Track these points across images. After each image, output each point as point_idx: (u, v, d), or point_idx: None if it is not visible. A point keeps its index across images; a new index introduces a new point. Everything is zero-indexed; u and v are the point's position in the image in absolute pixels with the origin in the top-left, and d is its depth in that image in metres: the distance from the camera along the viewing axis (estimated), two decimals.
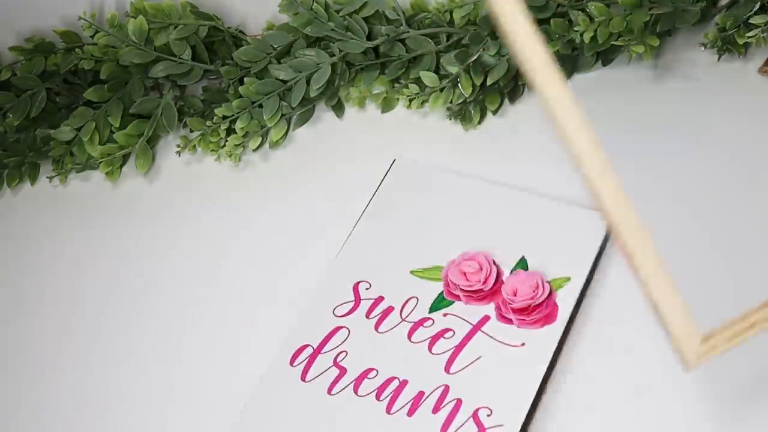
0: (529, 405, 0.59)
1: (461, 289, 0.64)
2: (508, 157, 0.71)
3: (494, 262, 0.64)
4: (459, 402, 0.60)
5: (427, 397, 0.60)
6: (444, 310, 0.64)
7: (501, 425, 0.58)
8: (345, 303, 0.65)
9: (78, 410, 0.66)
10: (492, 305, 0.63)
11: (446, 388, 0.61)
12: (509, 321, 0.62)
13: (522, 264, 0.65)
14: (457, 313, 0.63)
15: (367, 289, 0.65)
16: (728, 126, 0.70)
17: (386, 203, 0.69)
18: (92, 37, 0.74)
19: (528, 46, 0.43)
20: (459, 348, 0.62)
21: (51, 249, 0.74)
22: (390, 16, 0.73)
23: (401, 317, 0.64)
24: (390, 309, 0.64)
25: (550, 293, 0.62)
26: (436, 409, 0.60)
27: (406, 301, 0.64)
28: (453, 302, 0.64)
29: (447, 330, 0.63)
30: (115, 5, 0.77)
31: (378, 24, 0.73)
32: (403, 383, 0.61)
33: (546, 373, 0.60)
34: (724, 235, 0.64)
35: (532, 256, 0.65)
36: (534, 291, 0.62)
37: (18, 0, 0.76)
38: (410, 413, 0.60)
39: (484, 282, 0.63)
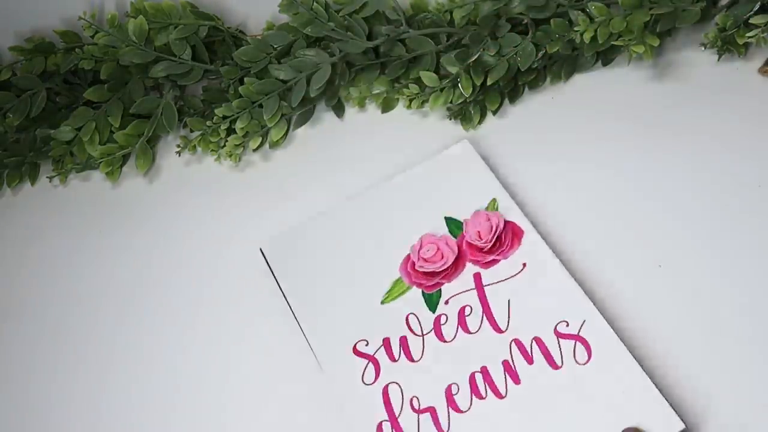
0: (585, 295, 0.61)
1: (436, 274, 0.64)
2: (507, 158, 0.71)
3: (441, 235, 0.66)
4: (537, 339, 0.60)
5: (513, 360, 0.60)
6: (442, 300, 0.64)
7: (583, 320, 0.60)
8: (365, 369, 0.62)
9: (78, 411, 0.66)
10: (470, 264, 0.64)
11: (516, 341, 0.61)
12: (496, 261, 0.64)
13: (453, 222, 0.67)
14: (454, 292, 0.64)
15: (366, 345, 0.63)
16: (728, 126, 0.70)
17: (287, 268, 0.67)
18: (92, 37, 0.74)
19: None
20: (487, 311, 0.62)
21: (51, 249, 0.74)
22: (390, 16, 0.73)
23: (417, 334, 0.63)
24: (403, 338, 0.63)
25: (501, 218, 0.65)
26: (530, 360, 0.60)
27: (407, 323, 0.63)
28: (440, 289, 0.64)
29: (463, 309, 0.63)
30: (115, 5, 0.77)
31: (378, 24, 0.73)
32: (484, 369, 0.60)
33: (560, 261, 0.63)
34: (724, 235, 0.64)
35: (453, 213, 0.67)
36: (489, 222, 0.65)
37: (18, 0, 0.76)
38: (517, 381, 0.59)
39: (448, 256, 0.64)
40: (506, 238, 0.65)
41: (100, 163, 0.75)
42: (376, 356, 0.62)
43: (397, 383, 0.61)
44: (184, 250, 0.72)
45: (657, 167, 0.68)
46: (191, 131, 0.76)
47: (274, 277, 0.66)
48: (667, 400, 0.55)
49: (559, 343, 0.60)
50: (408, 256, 0.66)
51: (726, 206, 0.65)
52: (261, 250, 0.68)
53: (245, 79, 0.74)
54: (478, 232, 0.65)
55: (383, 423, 0.59)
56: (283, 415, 0.63)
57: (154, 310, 0.69)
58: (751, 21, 0.68)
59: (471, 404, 0.59)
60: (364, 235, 0.68)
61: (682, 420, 0.55)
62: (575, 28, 0.68)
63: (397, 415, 0.59)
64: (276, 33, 0.75)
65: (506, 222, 0.65)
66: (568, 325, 0.60)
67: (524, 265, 0.63)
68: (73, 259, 0.73)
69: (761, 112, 0.70)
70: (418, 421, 0.59)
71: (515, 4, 0.71)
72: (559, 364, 0.59)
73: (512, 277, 0.63)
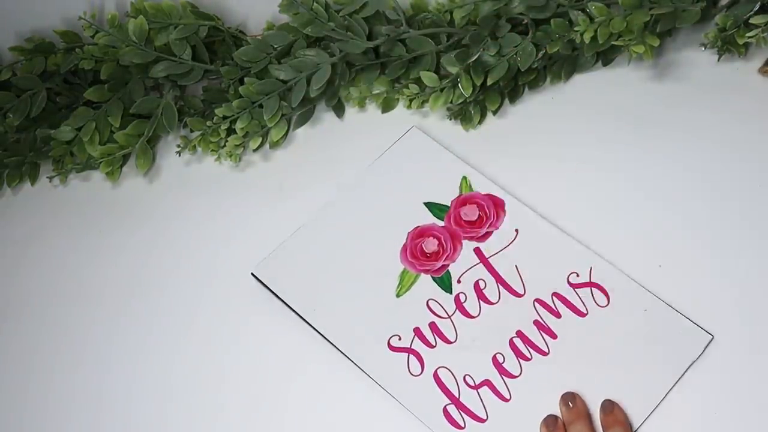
0: (582, 244, 0.65)
1: (440, 257, 0.66)
2: (506, 157, 0.71)
3: (429, 224, 0.68)
4: (556, 294, 0.63)
5: (542, 318, 0.63)
6: (454, 279, 0.65)
7: (590, 267, 0.64)
8: (407, 362, 0.63)
9: (78, 410, 0.66)
10: (466, 241, 0.67)
11: (538, 300, 0.63)
12: (489, 234, 0.67)
13: (435, 206, 0.68)
14: (462, 270, 0.66)
15: (399, 339, 0.64)
16: (728, 126, 0.70)
17: (288, 287, 0.67)
18: (92, 37, 0.74)
19: None
20: (500, 280, 0.65)
21: (51, 249, 0.74)
22: (390, 16, 0.73)
23: (444, 317, 0.64)
24: (433, 324, 0.64)
25: (476, 194, 0.68)
26: (557, 315, 0.63)
27: (430, 309, 0.65)
28: (448, 271, 0.66)
29: (477, 283, 0.65)
30: (115, 5, 0.77)
31: (378, 24, 0.73)
32: (519, 333, 0.62)
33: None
34: (724, 235, 0.64)
35: (430, 197, 0.69)
36: (478, 202, 0.68)
37: (18, 0, 0.76)
38: (553, 336, 0.62)
39: (448, 242, 0.67)
40: (490, 209, 0.67)
41: (100, 163, 0.75)
42: (413, 347, 0.63)
43: (445, 367, 0.62)
44: (183, 250, 0.72)
45: (657, 167, 0.68)
46: (191, 131, 0.76)
47: (280, 299, 0.66)
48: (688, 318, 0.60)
49: (576, 292, 0.63)
50: (405, 246, 0.67)
51: (726, 206, 0.65)
52: (253, 274, 0.67)
53: (245, 79, 0.74)
54: (468, 215, 0.67)
55: (447, 407, 0.61)
56: (293, 410, 0.63)
57: (153, 309, 0.69)
58: (751, 21, 0.68)
59: (521, 368, 0.61)
60: (350, 236, 0.68)
61: (707, 332, 0.59)
62: (575, 28, 0.68)
63: (457, 396, 0.61)
64: (276, 33, 0.75)
65: (485, 195, 0.68)
66: (578, 275, 0.63)
67: (517, 231, 0.66)
68: (73, 259, 0.73)
69: (761, 112, 0.70)
70: (479, 396, 0.61)
71: (515, 4, 0.71)
72: (584, 311, 0.62)
73: (510, 243, 0.66)
